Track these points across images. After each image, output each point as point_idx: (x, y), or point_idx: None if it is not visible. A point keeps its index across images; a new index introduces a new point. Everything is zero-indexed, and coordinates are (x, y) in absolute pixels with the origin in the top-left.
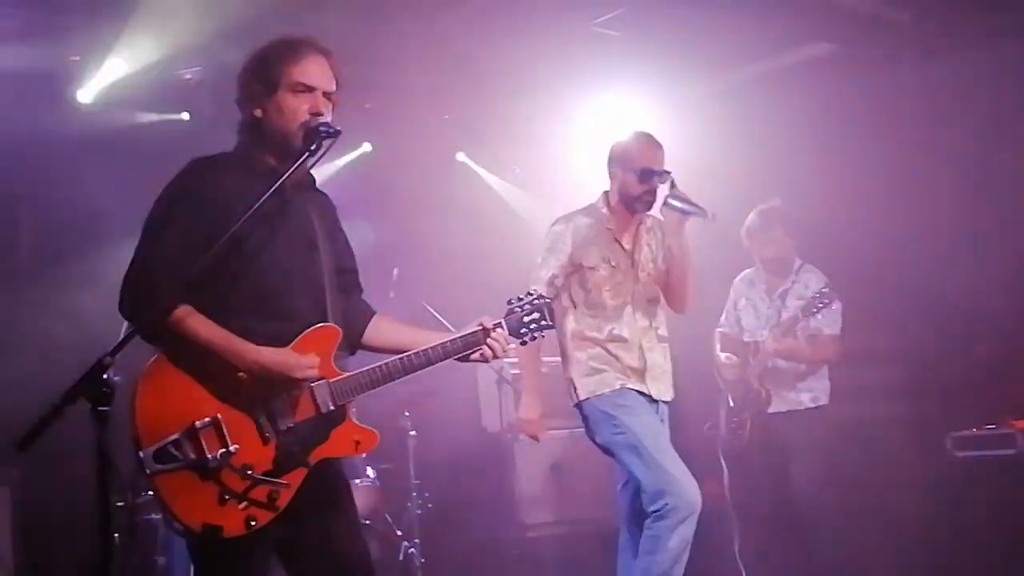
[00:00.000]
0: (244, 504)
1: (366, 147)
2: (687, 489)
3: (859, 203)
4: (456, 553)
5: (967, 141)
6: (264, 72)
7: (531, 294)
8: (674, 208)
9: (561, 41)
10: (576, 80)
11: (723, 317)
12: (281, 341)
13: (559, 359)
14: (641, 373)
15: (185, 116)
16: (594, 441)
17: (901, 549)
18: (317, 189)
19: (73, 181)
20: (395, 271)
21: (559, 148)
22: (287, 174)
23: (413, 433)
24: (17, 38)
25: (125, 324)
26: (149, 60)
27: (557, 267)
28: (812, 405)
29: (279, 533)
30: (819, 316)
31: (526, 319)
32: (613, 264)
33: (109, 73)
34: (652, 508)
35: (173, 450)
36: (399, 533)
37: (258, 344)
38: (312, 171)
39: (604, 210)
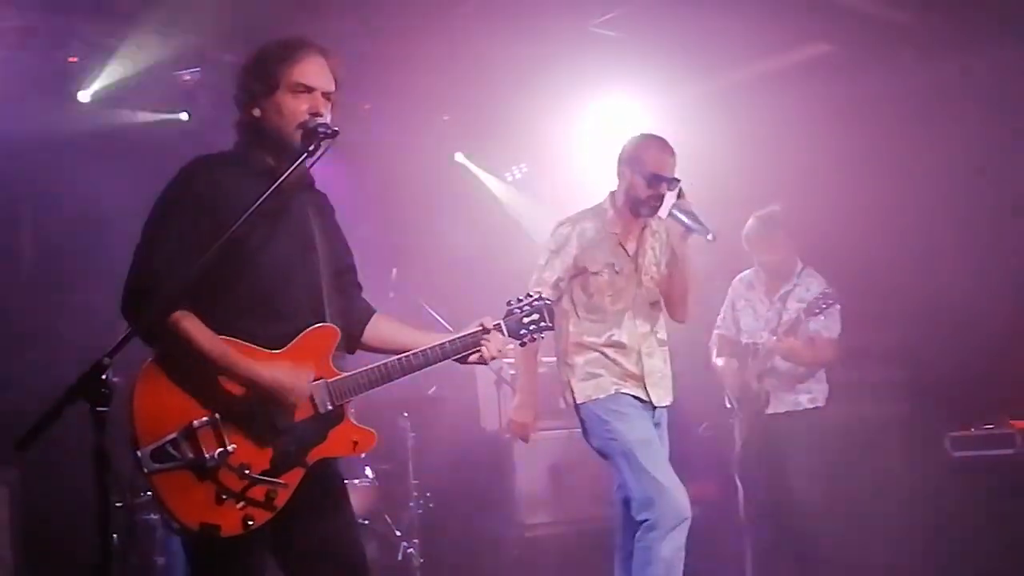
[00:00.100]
0: (242, 504)
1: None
2: (675, 498)
3: (858, 203)
4: (455, 553)
5: (967, 141)
6: (263, 72)
7: (530, 295)
8: (678, 220)
9: (560, 41)
10: (575, 80)
11: (720, 318)
12: (279, 342)
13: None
14: (640, 379)
15: (184, 116)
16: (590, 444)
17: (900, 549)
18: (316, 189)
19: (74, 180)
20: (394, 271)
21: (558, 148)
22: (286, 174)
23: (412, 434)
24: (17, 38)
25: (124, 324)
26: (149, 60)
27: (561, 270)
28: (810, 407)
29: (276, 533)
30: (821, 318)
31: (525, 320)
32: (617, 270)
33: (109, 73)
34: (640, 517)
35: (171, 449)
36: (398, 533)
37: (256, 345)
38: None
39: (610, 213)
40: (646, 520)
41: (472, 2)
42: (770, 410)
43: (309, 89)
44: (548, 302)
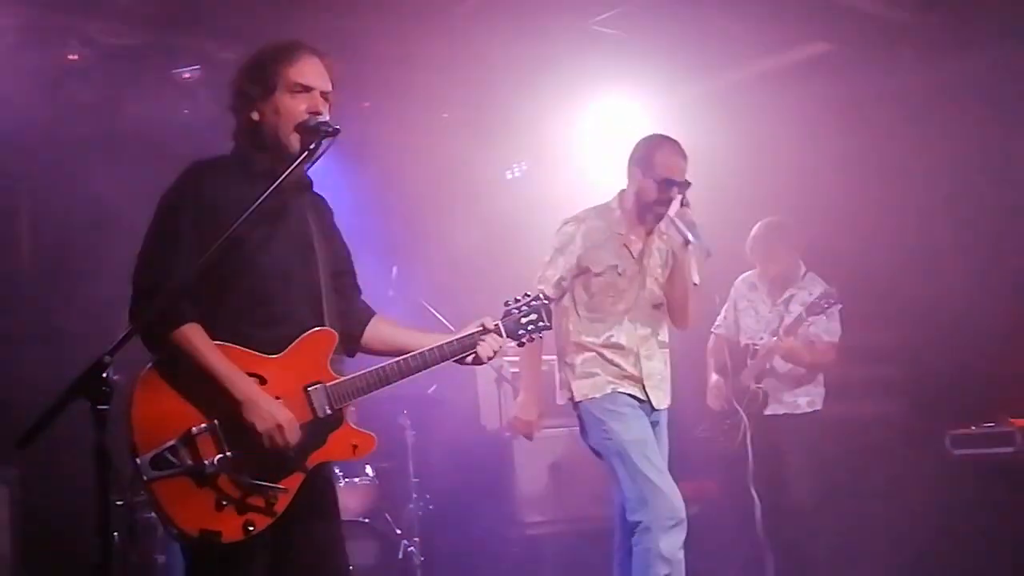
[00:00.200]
0: (242, 510)
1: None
2: (669, 499)
3: (858, 202)
4: (455, 552)
5: (967, 141)
6: (260, 75)
7: (528, 295)
8: (678, 229)
9: (560, 41)
10: (575, 79)
11: (720, 317)
12: (278, 344)
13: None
14: (638, 380)
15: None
16: (587, 443)
17: (900, 548)
18: (314, 191)
19: (73, 179)
20: (394, 270)
21: (559, 147)
22: (286, 174)
23: (412, 432)
24: (17, 37)
25: (125, 323)
26: (148, 59)
27: (565, 269)
28: (808, 410)
29: (275, 539)
30: (822, 318)
31: (523, 320)
32: (620, 271)
33: (109, 72)
34: (634, 518)
35: (170, 456)
36: (398, 532)
37: (255, 348)
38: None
39: (617, 213)
40: (640, 522)
41: (472, 2)
42: (768, 411)
43: (307, 89)
44: (546, 302)
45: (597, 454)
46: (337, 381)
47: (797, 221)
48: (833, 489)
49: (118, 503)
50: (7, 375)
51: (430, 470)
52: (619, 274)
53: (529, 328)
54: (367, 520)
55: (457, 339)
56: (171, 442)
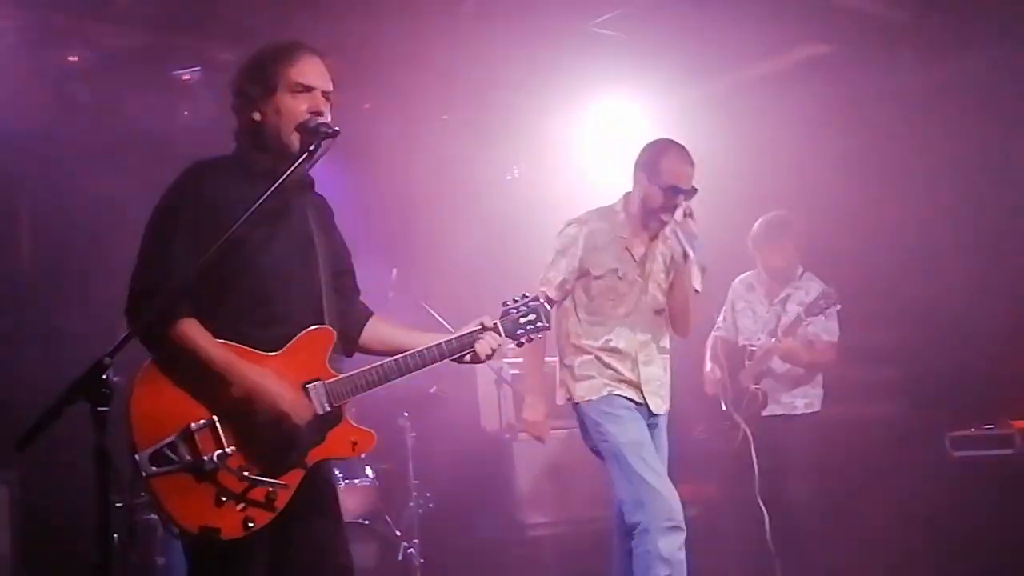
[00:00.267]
0: (242, 505)
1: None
2: (666, 501)
3: (858, 203)
4: (456, 553)
5: (967, 142)
6: (261, 75)
7: (526, 295)
8: (678, 241)
9: (561, 42)
10: (575, 81)
11: (720, 319)
12: (278, 343)
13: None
14: (635, 384)
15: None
16: (586, 443)
17: (899, 549)
18: (315, 191)
19: (74, 179)
20: (394, 271)
21: (558, 148)
22: (287, 174)
23: (412, 433)
24: (17, 39)
25: (125, 324)
26: (149, 59)
27: (567, 271)
28: (806, 411)
29: (274, 536)
30: (821, 318)
31: (522, 320)
32: (620, 275)
33: (109, 72)
34: (631, 520)
35: (169, 452)
36: (398, 533)
37: (254, 348)
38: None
39: (621, 216)
40: (638, 523)
41: (473, 3)
42: (766, 412)
43: (308, 89)
44: (544, 302)
45: (598, 455)
46: (336, 378)
47: (797, 222)
48: (833, 490)
49: (118, 504)
50: (7, 375)
51: (430, 471)
52: (619, 278)
53: (527, 328)
54: (367, 521)
55: (456, 338)
56: (170, 438)
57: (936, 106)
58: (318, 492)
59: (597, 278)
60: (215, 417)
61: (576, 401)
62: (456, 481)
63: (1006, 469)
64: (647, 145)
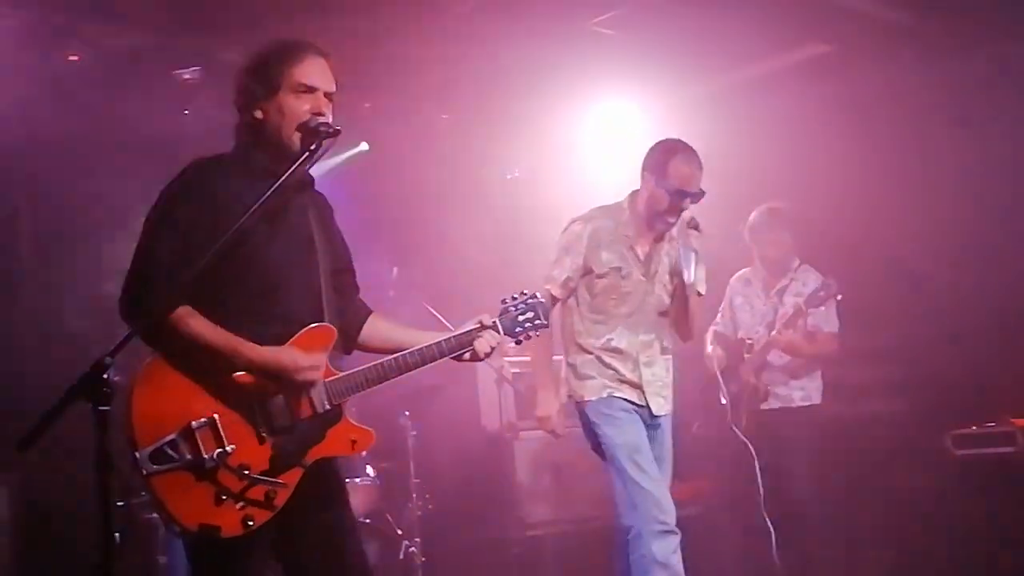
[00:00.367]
0: (241, 504)
1: (363, 146)
2: (658, 505)
3: (858, 203)
4: (456, 552)
5: (967, 141)
6: (264, 74)
7: (525, 293)
8: (682, 254)
9: (561, 41)
10: (575, 80)
11: (718, 316)
12: (278, 342)
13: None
14: (636, 385)
15: (185, 115)
16: (589, 441)
17: (900, 547)
18: (315, 189)
19: (74, 179)
20: (394, 270)
21: (558, 148)
22: (287, 174)
23: (413, 432)
24: (17, 37)
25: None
26: (149, 59)
27: (572, 269)
28: (803, 404)
29: (277, 534)
30: (822, 309)
31: (520, 318)
32: (623, 274)
33: (110, 72)
34: (625, 523)
35: (169, 450)
36: (399, 532)
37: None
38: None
39: (627, 214)
40: (631, 527)
41: (472, 3)
42: (764, 406)
43: (311, 89)
44: (543, 300)
45: (600, 454)
46: (336, 377)
47: (798, 220)
48: (834, 488)
49: (119, 504)
50: (7, 375)
51: (431, 470)
52: (623, 276)
53: (526, 326)
54: (368, 520)
55: (455, 336)
56: (171, 436)
57: (936, 106)
58: (323, 487)
59: (600, 276)
60: (216, 416)
61: (576, 401)
62: (457, 480)
63: (1007, 467)
64: (656, 145)
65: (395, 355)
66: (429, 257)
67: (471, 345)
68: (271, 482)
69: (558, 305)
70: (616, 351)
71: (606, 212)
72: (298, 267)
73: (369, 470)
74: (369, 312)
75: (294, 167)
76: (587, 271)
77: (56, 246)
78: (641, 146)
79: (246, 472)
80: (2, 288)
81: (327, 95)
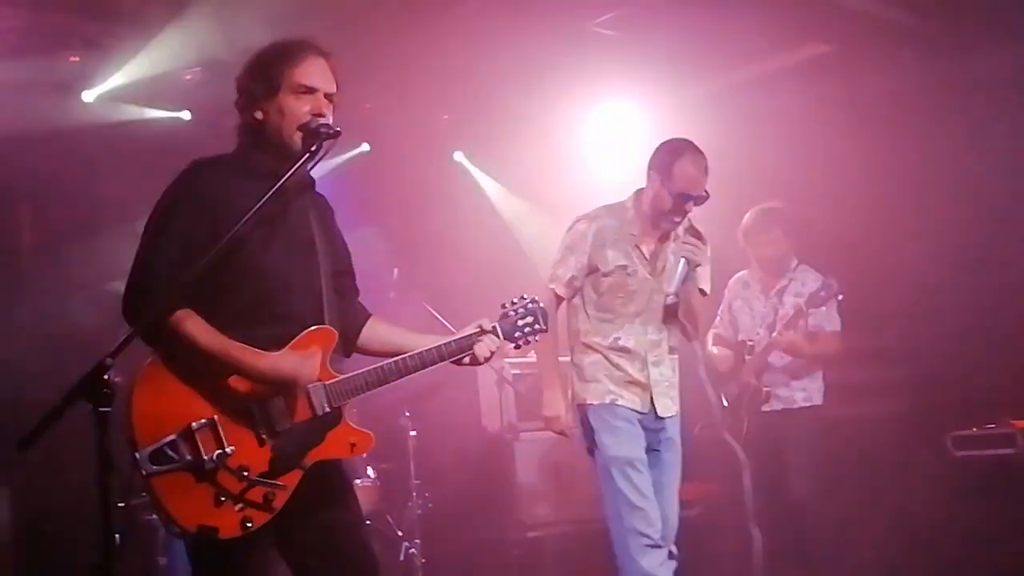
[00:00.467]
0: (240, 506)
1: (364, 147)
2: (644, 519)
3: (858, 203)
4: (457, 553)
5: (967, 141)
6: (265, 74)
7: (524, 297)
8: (682, 264)
9: (561, 41)
10: (575, 80)
11: (717, 318)
12: (279, 344)
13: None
14: (643, 386)
15: (186, 115)
16: (584, 442)
17: (900, 549)
18: (315, 191)
19: (75, 179)
20: (395, 271)
21: (558, 148)
22: (287, 175)
23: (413, 433)
24: (18, 38)
25: (127, 325)
26: (149, 59)
27: (576, 268)
28: (805, 404)
29: (279, 535)
30: (823, 309)
31: (520, 323)
32: (629, 272)
33: (110, 72)
34: (612, 535)
35: (169, 451)
36: (400, 533)
37: (256, 348)
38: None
39: (631, 212)
40: (616, 540)
41: (473, 3)
42: (766, 408)
43: (311, 90)
44: (542, 305)
45: (592, 456)
46: (336, 379)
47: (797, 220)
48: (834, 489)
49: (119, 505)
50: (7, 375)
51: (431, 471)
52: (629, 275)
53: (525, 330)
54: (368, 521)
55: (455, 340)
56: (171, 437)
57: (936, 106)
58: (328, 486)
59: (606, 275)
60: (216, 417)
61: (579, 403)
62: (457, 481)
63: (1008, 469)
64: (662, 145)
65: (395, 358)
66: (429, 257)
67: (471, 349)
68: (270, 484)
69: (563, 304)
70: (624, 350)
71: (611, 211)
72: (299, 269)
73: (369, 471)
74: (368, 315)
75: (294, 168)
76: (592, 270)
77: (57, 246)
78: (641, 146)
79: (245, 474)
80: (3, 288)
81: (327, 96)
